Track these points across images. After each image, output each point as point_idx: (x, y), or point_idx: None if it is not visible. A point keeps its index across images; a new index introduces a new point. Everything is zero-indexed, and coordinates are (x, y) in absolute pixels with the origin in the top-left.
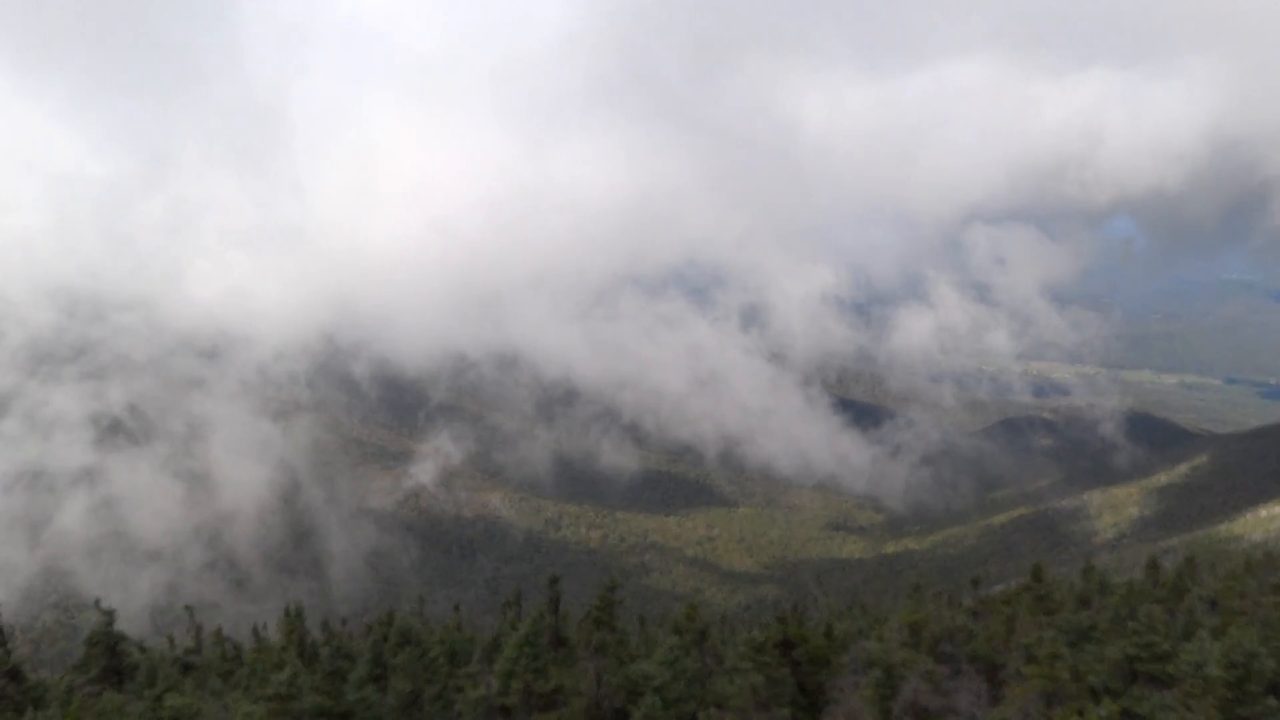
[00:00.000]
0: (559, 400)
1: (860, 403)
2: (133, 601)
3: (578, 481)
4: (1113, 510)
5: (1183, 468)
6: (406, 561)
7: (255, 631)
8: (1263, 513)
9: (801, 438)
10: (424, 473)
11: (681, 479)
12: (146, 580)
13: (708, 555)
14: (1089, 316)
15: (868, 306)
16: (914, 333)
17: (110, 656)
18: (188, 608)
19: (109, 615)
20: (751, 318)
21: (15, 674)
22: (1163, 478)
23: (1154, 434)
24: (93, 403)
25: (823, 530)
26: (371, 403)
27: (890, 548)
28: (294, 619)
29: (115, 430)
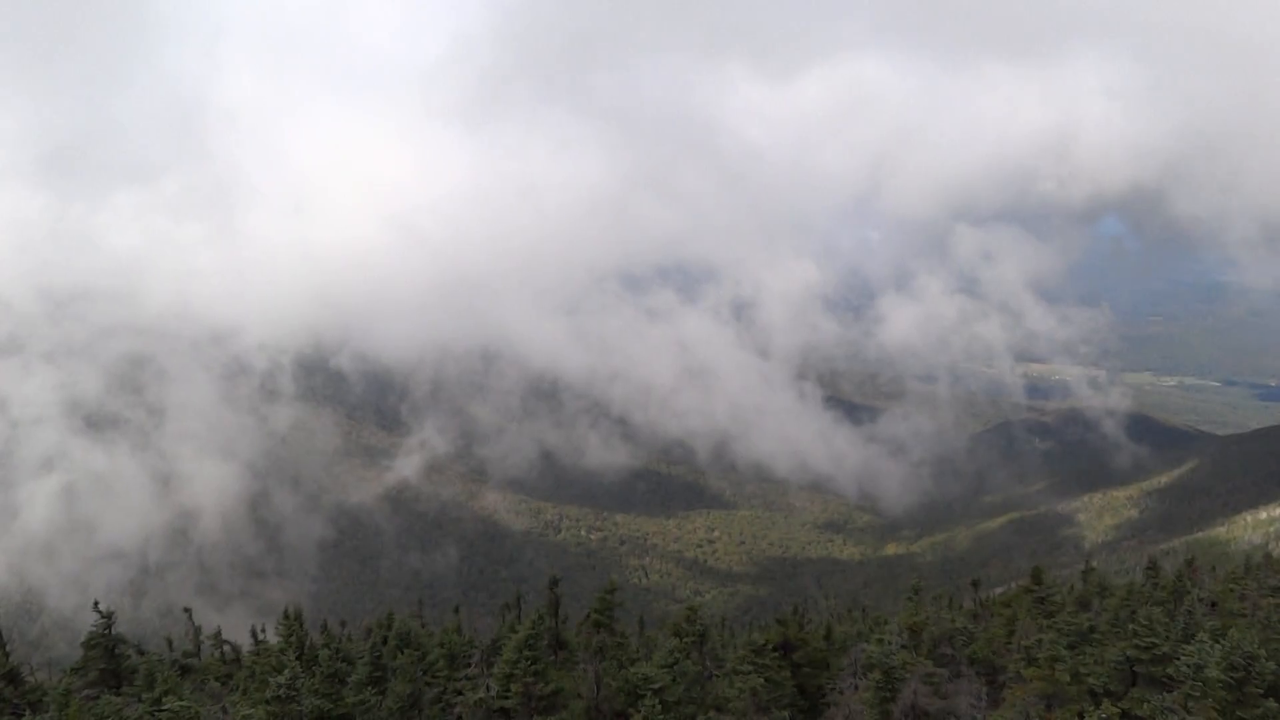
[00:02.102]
0: (548, 397)
1: (856, 403)
2: (110, 600)
3: (575, 483)
4: (1112, 512)
5: (1181, 470)
6: (403, 561)
7: (254, 634)
8: (1262, 514)
9: (798, 438)
10: (408, 467)
11: (680, 481)
12: (115, 577)
13: (707, 557)
14: (1087, 318)
15: (860, 306)
16: (908, 332)
17: (108, 659)
18: (186, 610)
19: (107, 618)
20: (738, 315)
21: (13, 677)
22: (1162, 479)
23: (1152, 436)
24: (64, 395)
25: (821, 533)
26: (355, 399)
27: (889, 549)
28: (293, 621)
29: (87, 424)
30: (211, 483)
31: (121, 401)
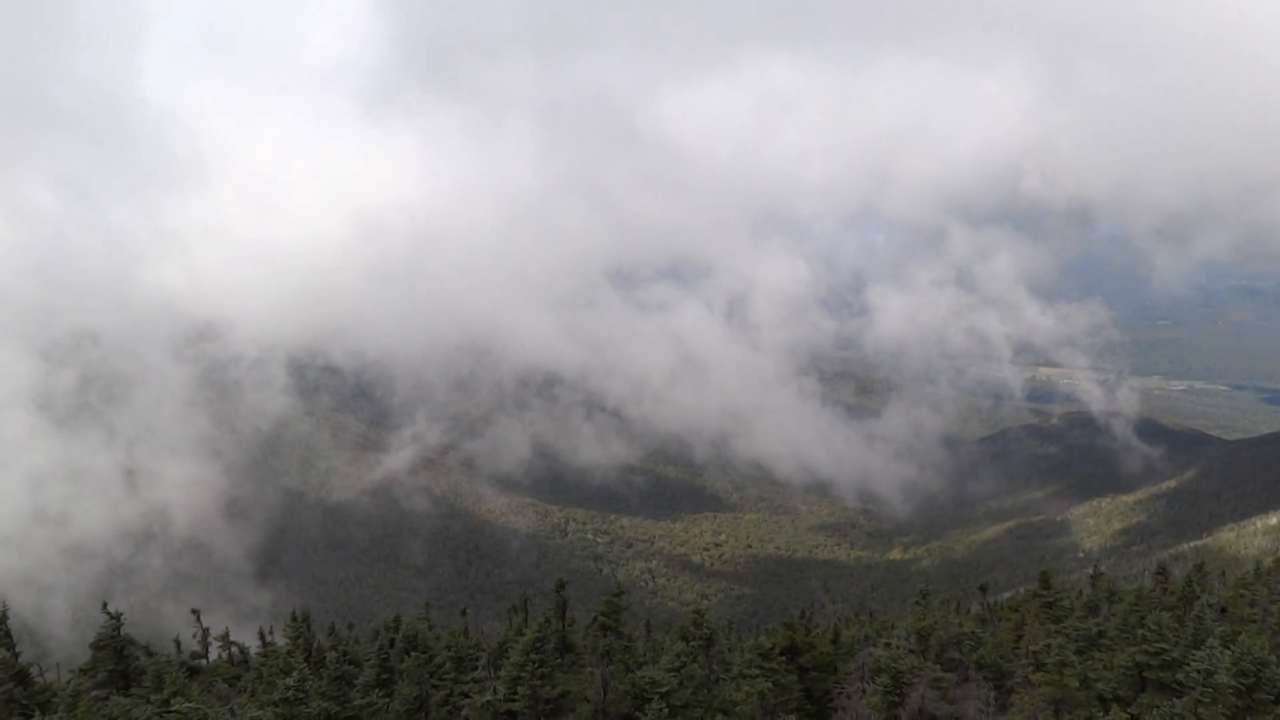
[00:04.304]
0: (547, 399)
1: (857, 405)
2: (90, 599)
3: (574, 483)
4: (1120, 517)
5: (1189, 474)
6: (405, 563)
7: (261, 636)
8: (1271, 519)
9: (798, 439)
10: (400, 463)
11: (683, 483)
12: (91, 575)
13: (713, 560)
14: (1095, 322)
15: (860, 307)
16: (911, 336)
17: (117, 660)
18: (194, 611)
19: (116, 619)
20: (732, 313)
21: (23, 677)
22: (1170, 484)
23: (1160, 440)
24: (46, 387)
25: (826, 536)
26: (347, 394)
27: (894, 553)
28: (300, 623)
29: (62, 418)
30: (193, 479)
31: (103, 396)
